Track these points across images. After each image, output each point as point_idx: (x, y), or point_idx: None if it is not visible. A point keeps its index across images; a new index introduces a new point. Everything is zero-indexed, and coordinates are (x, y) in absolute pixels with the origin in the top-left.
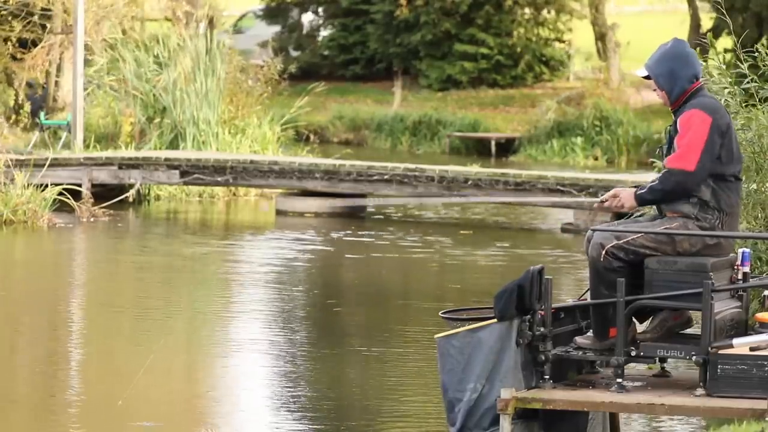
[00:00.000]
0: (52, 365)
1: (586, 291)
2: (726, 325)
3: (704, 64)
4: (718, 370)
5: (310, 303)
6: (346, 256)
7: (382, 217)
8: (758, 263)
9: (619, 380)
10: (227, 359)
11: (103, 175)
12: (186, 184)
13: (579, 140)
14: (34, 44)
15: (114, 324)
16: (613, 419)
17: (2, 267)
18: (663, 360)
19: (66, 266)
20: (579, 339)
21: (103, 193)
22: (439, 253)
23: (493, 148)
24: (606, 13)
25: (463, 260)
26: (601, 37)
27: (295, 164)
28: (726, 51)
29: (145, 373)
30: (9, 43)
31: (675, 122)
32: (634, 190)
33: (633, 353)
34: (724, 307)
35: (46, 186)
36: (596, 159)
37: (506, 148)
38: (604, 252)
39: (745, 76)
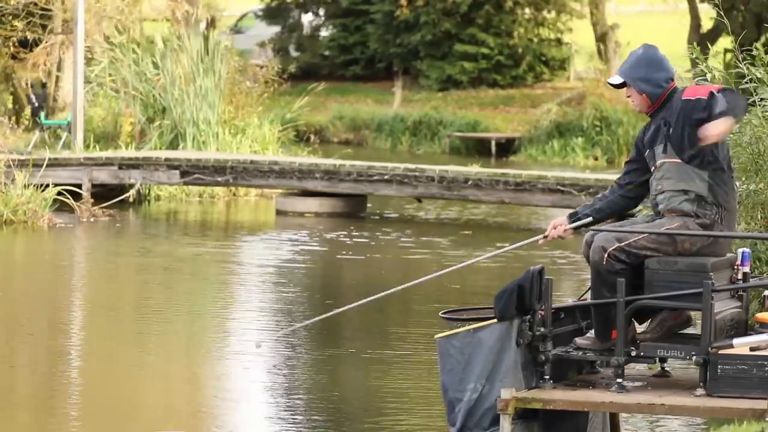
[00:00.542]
0: (52, 365)
1: (586, 291)
2: (726, 325)
3: (705, 64)
4: (718, 370)
5: (310, 303)
6: (346, 256)
7: (382, 217)
8: (758, 263)
9: (619, 380)
10: (227, 360)
11: (103, 175)
12: (186, 184)
13: (579, 140)
14: (36, 44)
15: (114, 324)
16: (613, 419)
17: (2, 267)
18: (663, 360)
19: (66, 266)
20: (579, 340)
21: (103, 193)
22: (439, 254)
23: (494, 148)
24: (606, 13)
25: (463, 261)
26: (601, 37)
27: (295, 164)
28: (726, 51)
29: (144, 373)
30: (10, 42)
31: (650, 125)
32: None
33: (633, 353)
34: (724, 307)
35: (47, 186)
36: (596, 159)
37: (506, 148)
38: (606, 255)
39: (744, 76)
